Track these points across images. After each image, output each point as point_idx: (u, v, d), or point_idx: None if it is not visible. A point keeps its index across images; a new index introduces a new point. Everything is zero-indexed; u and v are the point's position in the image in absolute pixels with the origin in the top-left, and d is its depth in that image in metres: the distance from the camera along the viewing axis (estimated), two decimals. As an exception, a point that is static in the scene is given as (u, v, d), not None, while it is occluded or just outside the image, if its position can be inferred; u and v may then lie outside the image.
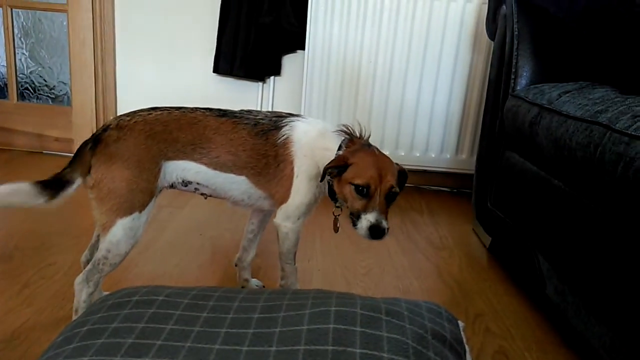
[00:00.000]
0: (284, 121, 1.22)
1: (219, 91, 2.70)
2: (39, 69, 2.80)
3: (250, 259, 1.45)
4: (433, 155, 2.52)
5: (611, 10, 1.45)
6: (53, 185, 1.11)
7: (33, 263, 1.53)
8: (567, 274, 1.24)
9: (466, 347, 0.99)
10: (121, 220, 1.12)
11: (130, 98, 2.77)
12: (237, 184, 1.23)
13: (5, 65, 2.79)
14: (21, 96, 2.84)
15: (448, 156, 2.52)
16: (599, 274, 1.09)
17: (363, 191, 1.12)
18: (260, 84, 2.68)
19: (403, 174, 1.21)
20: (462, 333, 1.01)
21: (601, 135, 1.06)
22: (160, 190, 1.21)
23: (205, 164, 1.19)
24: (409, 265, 1.72)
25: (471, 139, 2.50)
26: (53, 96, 2.83)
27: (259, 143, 1.19)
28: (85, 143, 1.14)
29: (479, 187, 1.92)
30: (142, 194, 1.13)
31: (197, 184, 1.23)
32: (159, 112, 1.18)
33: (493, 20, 1.93)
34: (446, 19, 2.36)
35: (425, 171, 2.57)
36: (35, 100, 2.84)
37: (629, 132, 0.98)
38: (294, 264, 1.31)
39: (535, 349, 1.27)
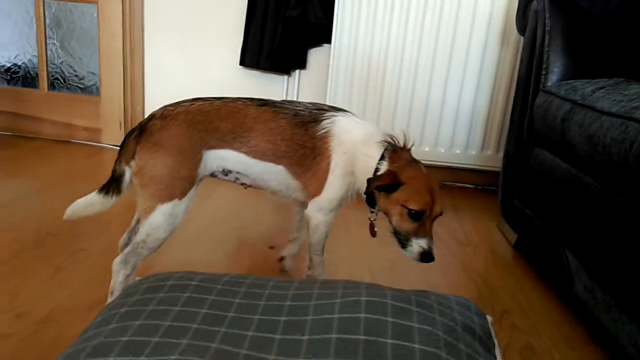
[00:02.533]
0: (325, 115, 1.22)
1: (245, 84, 2.72)
2: (69, 59, 2.85)
3: (295, 251, 1.47)
4: (458, 152, 2.51)
5: (648, 5, 1.42)
6: (113, 184, 1.18)
7: (65, 248, 1.56)
8: (597, 271, 1.22)
9: (495, 341, 0.99)
10: (161, 206, 1.15)
11: (158, 89, 2.81)
12: (275, 174, 1.24)
13: (37, 55, 2.85)
14: (51, 86, 2.89)
15: (473, 152, 2.50)
16: (630, 271, 1.08)
17: (416, 216, 1.12)
18: (286, 77, 2.69)
19: None
20: (490, 327, 1.01)
21: (637, 132, 1.05)
22: (202, 179, 1.23)
23: (245, 153, 1.21)
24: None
25: (497, 136, 2.48)
26: (82, 86, 2.88)
27: (298, 134, 1.20)
28: (131, 132, 1.19)
29: (506, 184, 1.90)
30: (183, 181, 1.16)
31: (237, 173, 1.25)
32: (201, 102, 1.20)
33: (523, 16, 1.91)
34: (475, 13, 2.34)
35: (449, 167, 2.56)
36: (65, 90, 2.90)
37: (668, 129, 0.96)
38: (322, 255, 1.32)
39: (563, 345, 1.26)
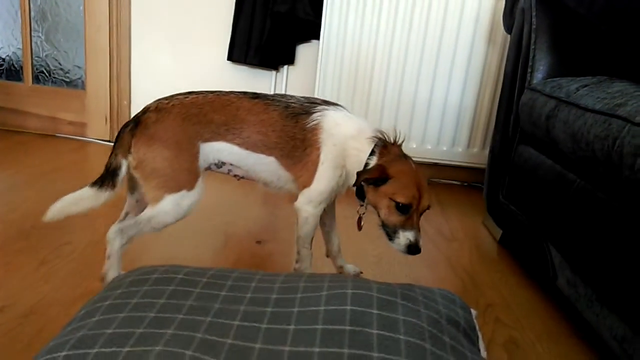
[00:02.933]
0: (316, 108, 1.24)
1: (233, 79, 2.71)
2: (55, 52, 2.82)
3: (336, 247, 1.47)
4: (445, 149, 2.52)
5: (632, 7, 1.44)
6: (108, 178, 1.18)
7: (49, 242, 1.55)
8: (580, 266, 1.24)
9: (479, 333, 1.00)
10: (169, 195, 1.17)
11: (144, 84, 2.78)
12: (266, 165, 1.25)
13: (22, 48, 2.81)
14: (36, 79, 2.86)
15: (459, 150, 2.52)
16: (612, 266, 1.10)
17: (403, 209, 1.14)
18: (274, 72, 2.68)
19: None
20: (474, 320, 1.02)
21: (620, 128, 1.06)
22: (206, 170, 1.25)
23: (238, 144, 1.23)
24: (419, 255, 1.73)
25: (483, 133, 2.50)
26: (68, 80, 2.85)
27: (289, 125, 1.22)
28: (125, 125, 1.20)
29: (491, 180, 1.92)
30: (186, 173, 1.18)
31: (231, 164, 1.27)
32: (195, 96, 1.22)
33: (510, 14, 1.93)
34: (462, 12, 2.36)
35: (436, 164, 2.58)
36: (49, 84, 2.86)
37: (649, 125, 0.98)
38: (310, 248, 1.33)
39: (546, 339, 1.28)
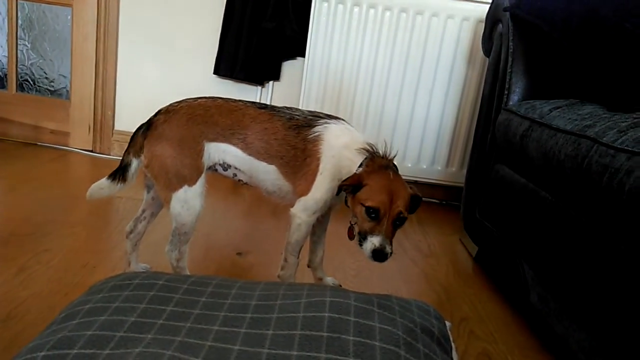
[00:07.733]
0: (319, 121, 1.29)
1: (218, 93, 2.71)
2: (40, 61, 2.82)
3: (318, 259, 1.50)
4: (424, 167, 2.58)
5: (603, 31, 1.51)
6: (119, 172, 1.29)
7: (29, 249, 1.54)
8: (551, 282, 1.28)
9: (453, 344, 1.03)
10: (175, 194, 1.26)
11: (130, 95, 2.79)
12: (268, 173, 1.30)
13: (7, 55, 2.80)
14: (20, 87, 2.85)
15: (439, 168, 2.58)
16: (581, 281, 1.14)
17: (372, 214, 1.16)
18: (259, 87, 2.72)
19: (416, 198, 1.24)
20: (448, 331, 1.05)
21: (588, 148, 1.12)
22: (209, 169, 1.31)
23: (242, 149, 1.29)
24: (397, 269, 1.76)
25: (461, 152, 2.56)
26: (52, 89, 2.85)
27: (290, 135, 1.27)
28: (140, 127, 1.28)
29: (468, 198, 1.97)
30: (189, 169, 1.25)
31: (235, 168, 1.32)
32: (204, 100, 1.30)
33: (489, 38, 2.00)
34: (443, 35, 2.43)
35: (416, 182, 2.62)
36: (34, 92, 2.85)
37: (615, 146, 1.03)
38: (298, 257, 1.35)
39: (518, 352, 1.31)
